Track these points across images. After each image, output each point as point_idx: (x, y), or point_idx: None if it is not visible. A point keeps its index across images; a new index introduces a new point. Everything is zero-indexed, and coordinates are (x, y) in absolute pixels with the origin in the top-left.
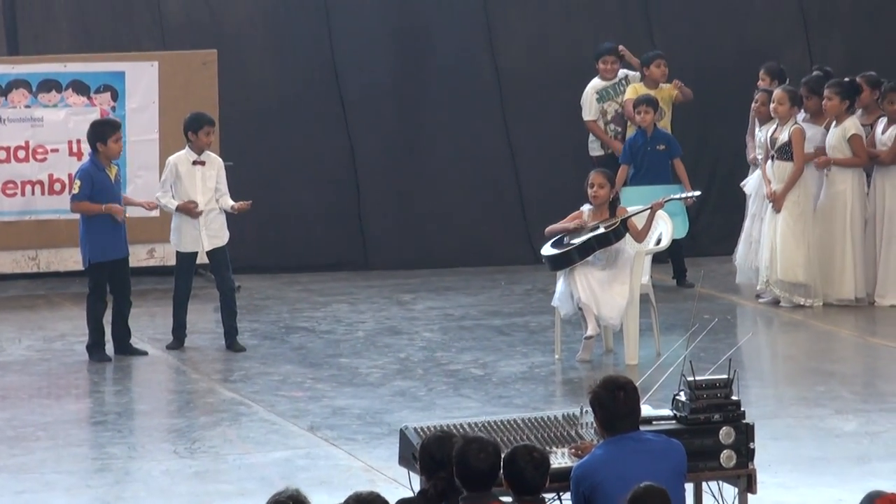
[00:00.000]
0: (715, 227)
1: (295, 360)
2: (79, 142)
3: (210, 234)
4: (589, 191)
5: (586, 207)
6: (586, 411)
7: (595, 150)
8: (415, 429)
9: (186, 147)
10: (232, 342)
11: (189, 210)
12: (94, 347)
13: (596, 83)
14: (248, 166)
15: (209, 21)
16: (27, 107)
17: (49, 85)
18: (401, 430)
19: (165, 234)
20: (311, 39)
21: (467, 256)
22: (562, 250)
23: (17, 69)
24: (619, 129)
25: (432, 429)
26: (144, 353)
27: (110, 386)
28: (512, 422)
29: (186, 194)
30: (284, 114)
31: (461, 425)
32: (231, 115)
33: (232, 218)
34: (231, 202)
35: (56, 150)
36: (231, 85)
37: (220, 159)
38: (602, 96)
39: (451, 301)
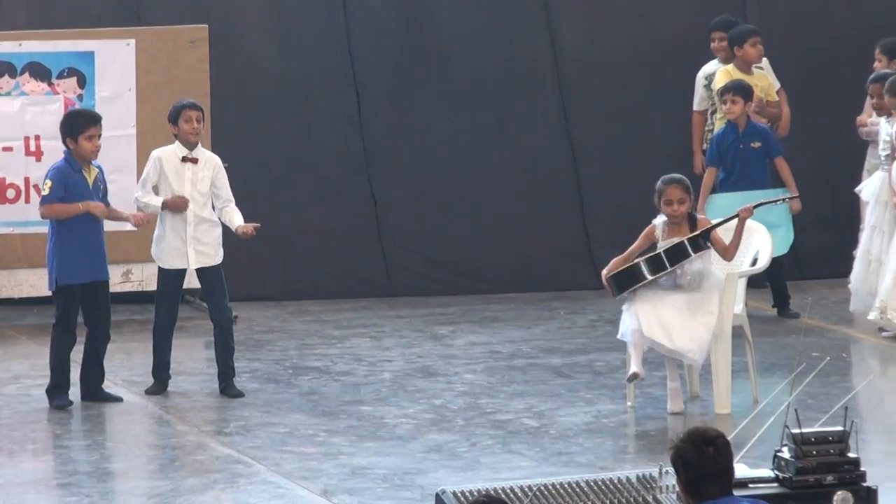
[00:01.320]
0: (824, 243)
1: (305, 409)
2: (37, 138)
3: (199, 250)
4: (665, 208)
5: (660, 220)
6: (666, 472)
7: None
8: (454, 493)
9: (175, 142)
10: (227, 385)
11: (178, 206)
12: (56, 391)
13: (708, 66)
14: (244, 170)
15: None
16: None
17: (1, 68)
18: (437, 494)
19: (145, 253)
20: (323, 16)
21: (517, 280)
22: (626, 265)
23: None
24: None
25: (476, 493)
26: (119, 400)
27: (77, 440)
28: (574, 485)
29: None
30: (289, 107)
31: (511, 489)
32: (225, 107)
33: (224, 235)
34: (239, 220)
35: (9, 149)
36: (225, 69)
37: (217, 158)
38: (710, 82)
39: (499, 335)
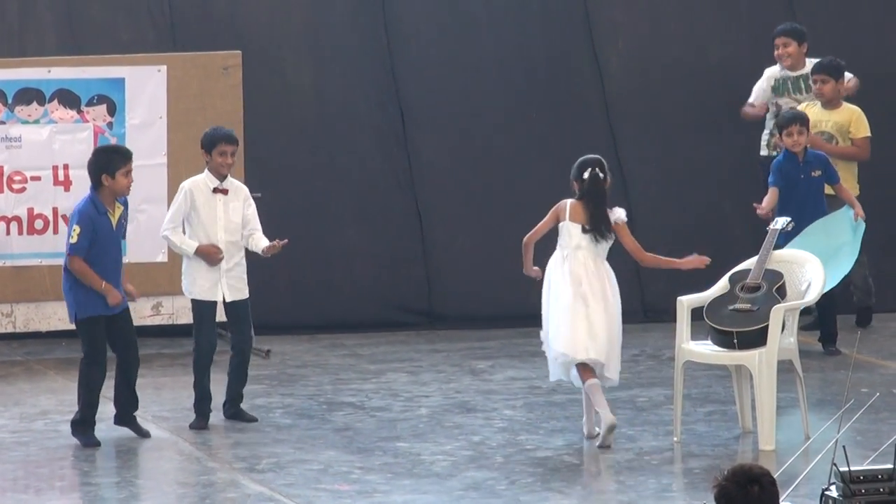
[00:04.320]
0: (881, 273)
1: (339, 445)
2: (66, 167)
3: (231, 284)
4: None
5: (568, 201)
6: None
7: (764, 147)
8: None
9: (206, 171)
10: (237, 411)
11: (210, 256)
12: (82, 425)
13: (773, 70)
14: (279, 197)
15: (231, 15)
16: (1, 123)
17: (29, 95)
18: None
19: (175, 285)
20: (362, 36)
21: None
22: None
23: None
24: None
25: None
26: (146, 435)
27: (106, 477)
28: None
29: (204, 230)
30: (326, 131)
31: None
32: (259, 133)
33: (255, 262)
34: (265, 242)
35: (37, 178)
36: (259, 95)
37: (245, 188)
38: (778, 87)
39: (539, 370)
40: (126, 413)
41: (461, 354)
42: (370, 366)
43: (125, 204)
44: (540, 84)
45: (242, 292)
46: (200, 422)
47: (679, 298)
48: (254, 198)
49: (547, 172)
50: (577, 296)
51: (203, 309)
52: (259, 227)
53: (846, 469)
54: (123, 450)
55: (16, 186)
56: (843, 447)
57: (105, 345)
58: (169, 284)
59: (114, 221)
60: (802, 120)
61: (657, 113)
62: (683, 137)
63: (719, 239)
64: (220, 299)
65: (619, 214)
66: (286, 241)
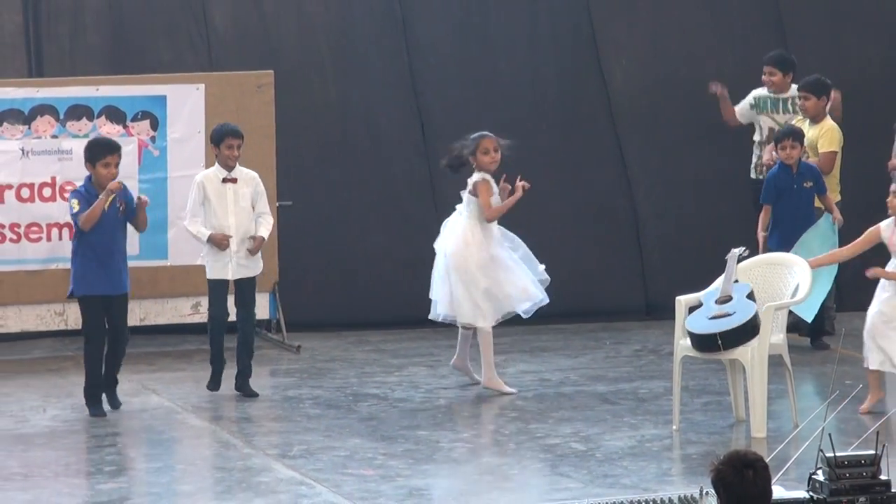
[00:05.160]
0: (860, 275)
1: (364, 433)
2: None
3: (239, 263)
4: (483, 158)
5: (478, 176)
6: (707, 493)
7: (753, 171)
8: None
9: (216, 164)
10: (244, 384)
11: (219, 243)
12: (89, 397)
13: (758, 90)
14: (310, 205)
15: (265, 36)
16: (54, 137)
17: (79, 111)
18: None
19: None
20: (385, 55)
21: (567, 310)
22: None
23: (42, 93)
24: (762, 162)
25: None
26: (117, 407)
27: (150, 462)
28: None
29: (216, 217)
30: (352, 144)
31: None
32: (290, 146)
33: (290, 264)
34: (262, 232)
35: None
36: (290, 111)
37: (255, 175)
38: (758, 104)
39: (548, 364)
40: (107, 386)
41: (476, 350)
42: (393, 360)
43: (122, 187)
44: (550, 98)
45: (252, 270)
46: (213, 385)
47: (678, 298)
48: (285, 205)
49: (558, 181)
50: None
51: (215, 286)
52: (266, 209)
53: (832, 455)
54: (166, 438)
55: (67, 196)
56: (829, 435)
57: (102, 322)
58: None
59: (106, 205)
60: (796, 135)
61: (659, 124)
62: (683, 146)
63: (718, 240)
64: (230, 277)
65: (475, 178)
66: (260, 241)
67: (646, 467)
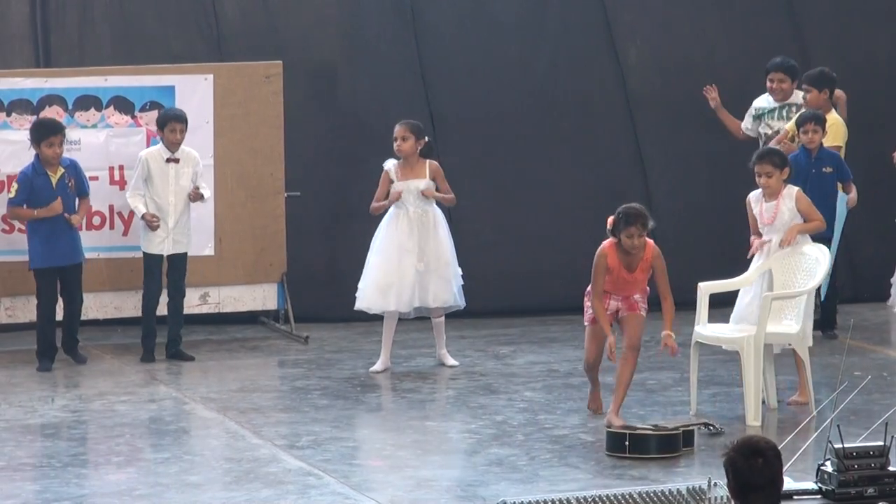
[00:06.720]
0: (869, 265)
1: (372, 424)
2: (121, 168)
3: (175, 239)
4: (394, 144)
5: (391, 164)
6: (715, 484)
7: None
8: None
9: (160, 143)
10: (176, 351)
11: (149, 222)
12: (40, 356)
13: (759, 100)
14: (317, 197)
15: (273, 27)
16: None
17: (87, 102)
18: None
19: (222, 277)
20: (394, 44)
21: (576, 301)
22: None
23: (51, 83)
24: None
25: None
26: (83, 361)
27: (158, 453)
28: (627, 496)
29: (157, 194)
30: (361, 133)
31: (568, 500)
32: (298, 137)
33: (298, 255)
34: (203, 192)
35: (95, 178)
36: (299, 101)
37: (196, 154)
38: (760, 113)
39: (557, 354)
40: (68, 345)
41: (485, 341)
42: (401, 351)
43: (70, 165)
44: (563, 82)
45: (184, 246)
46: (147, 356)
47: (700, 284)
48: (293, 196)
49: (571, 168)
50: None
51: (151, 261)
52: (206, 185)
53: (840, 446)
54: (174, 428)
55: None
56: (838, 426)
57: (55, 291)
58: (215, 276)
59: (54, 180)
60: (818, 119)
61: (672, 106)
62: (698, 128)
63: (729, 220)
64: (164, 253)
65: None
66: (203, 194)
67: (654, 458)
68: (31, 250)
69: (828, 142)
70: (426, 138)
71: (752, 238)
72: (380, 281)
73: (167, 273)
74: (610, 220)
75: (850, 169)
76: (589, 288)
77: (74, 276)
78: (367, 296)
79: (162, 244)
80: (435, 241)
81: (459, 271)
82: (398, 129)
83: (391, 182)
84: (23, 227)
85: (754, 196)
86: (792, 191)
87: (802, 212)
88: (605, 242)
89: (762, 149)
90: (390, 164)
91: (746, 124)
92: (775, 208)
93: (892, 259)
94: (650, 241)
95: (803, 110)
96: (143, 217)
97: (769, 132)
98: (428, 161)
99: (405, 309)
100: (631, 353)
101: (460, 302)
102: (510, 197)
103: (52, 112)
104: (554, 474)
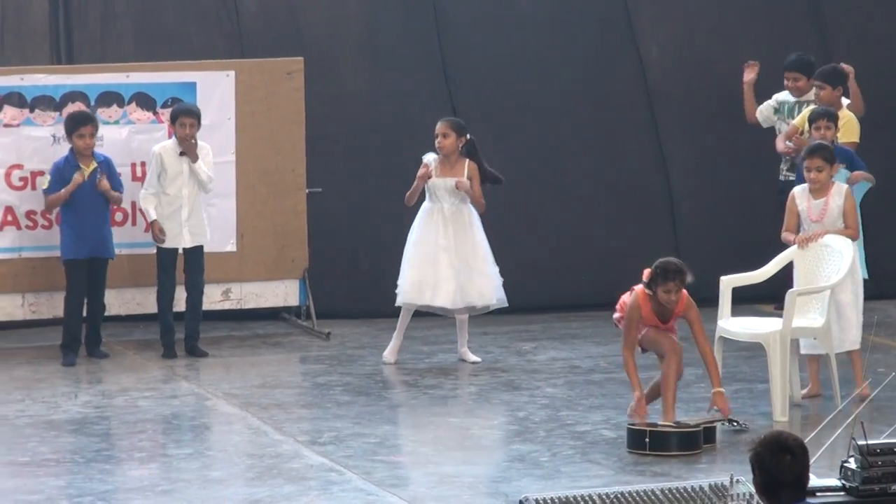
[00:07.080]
0: (891, 261)
1: (394, 420)
2: (143, 164)
3: (192, 231)
4: (435, 140)
5: (430, 157)
6: (737, 481)
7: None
8: (536, 500)
9: (173, 137)
10: (193, 347)
11: (155, 234)
12: (66, 348)
13: (780, 94)
14: (339, 193)
15: (295, 23)
16: None
17: (109, 98)
18: (520, 501)
19: (244, 273)
20: (416, 40)
21: (598, 297)
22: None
23: (73, 80)
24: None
25: (556, 500)
26: (105, 356)
27: (180, 448)
28: (649, 493)
29: (172, 187)
30: (383, 130)
31: (590, 496)
32: (320, 133)
33: (320, 251)
34: (209, 171)
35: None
36: (320, 98)
37: (207, 146)
38: (780, 109)
39: (579, 351)
40: (91, 343)
41: (507, 337)
42: (423, 347)
43: (104, 161)
44: (585, 78)
45: (201, 238)
46: (168, 352)
47: (722, 277)
48: (314, 193)
49: (592, 160)
50: None
51: (164, 256)
52: (212, 177)
53: (864, 443)
54: (197, 424)
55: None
56: (861, 423)
57: (83, 283)
58: (237, 272)
59: (86, 173)
60: (831, 115)
61: (694, 102)
62: (719, 124)
63: (753, 219)
64: (181, 247)
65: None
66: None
67: (676, 455)
68: (62, 243)
69: (844, 138)
70: (468, 136)
71: (785, 233)
72: (417, 277)
73: (184, 269)
74: (646, 272)
75: (868, 164)
76: (620, 301)
77: (100, 271)
78: (406, 290)
79: (177, 238)
80: (471, 239)
81: (497, 269)
82: (440, 126)
83: (429, 178)
84: (46, 223)
85: (799, 191)
86: (842, 188)
87: (845, 212)
88: (638, 293)
89: (813, 143)
90: (430, 158)
91: (763, 111)
92: (824, 205)
93: None
94: (684, 292)
95: (814, 106)
96: (152, 224)
97: (786, 127)
98: (467, 161)
99: (449, 305)
100: (673, 355)
101: (503, 300)
102: (532, 193)
103: (76, 108)
104: (576, 471)
